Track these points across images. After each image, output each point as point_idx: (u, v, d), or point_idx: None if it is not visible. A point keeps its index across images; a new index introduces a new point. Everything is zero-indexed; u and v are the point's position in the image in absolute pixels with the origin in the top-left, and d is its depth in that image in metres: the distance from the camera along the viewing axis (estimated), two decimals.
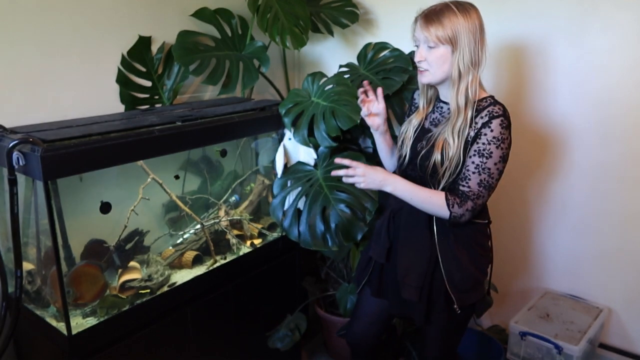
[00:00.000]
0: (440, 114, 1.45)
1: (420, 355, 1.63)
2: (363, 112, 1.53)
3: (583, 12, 1.82)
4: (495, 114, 1.32)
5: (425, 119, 1.48)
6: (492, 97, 1.37)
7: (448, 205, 1.34)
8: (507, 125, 1.33)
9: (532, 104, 2.00)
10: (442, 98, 1.46)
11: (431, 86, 1.46)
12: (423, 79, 1.40)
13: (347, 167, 1.42)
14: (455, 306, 1.41)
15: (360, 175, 1.40)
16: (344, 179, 1.44)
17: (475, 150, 1.33)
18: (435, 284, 1.42)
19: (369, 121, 1.54)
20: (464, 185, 1.35)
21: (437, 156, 1.37)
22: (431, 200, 1.36)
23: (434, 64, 1.35)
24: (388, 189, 1.40)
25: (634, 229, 1.89)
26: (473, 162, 1.33)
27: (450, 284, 1.40)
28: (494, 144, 1.31)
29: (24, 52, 1.57)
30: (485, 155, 1.32)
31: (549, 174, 2.04)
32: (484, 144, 1.32)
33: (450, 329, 1.51)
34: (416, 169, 1.43)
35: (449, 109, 1.41)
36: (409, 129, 1.49)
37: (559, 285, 2.12)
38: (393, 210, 1.50)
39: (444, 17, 1.31)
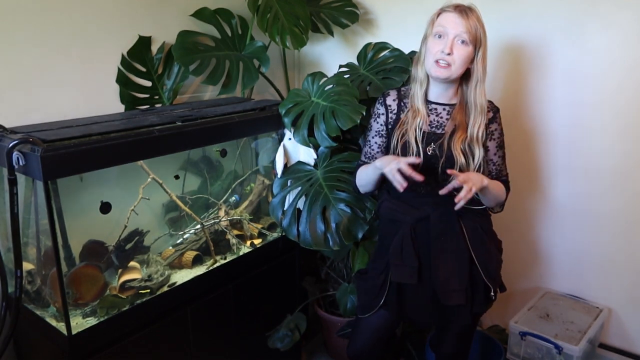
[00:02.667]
0: (437, 116, 1.44)
1: (441, 353, 1.62)
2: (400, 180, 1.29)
3: (583, 12, 1.82)
4: (495, 108, 1.45)
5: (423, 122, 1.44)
6: None
7: (507, 189, 1.48)
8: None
9: (531, 105, 2.00)
10: (433, 99, 1.44)
11: (427, 86, 1.44)
12: (443, 73, 1.35)
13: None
14: (492, 293, 1.45)
15: (469, 189, 1.25)
16: (461, 202, 1.26)
17: (497, 147, 1.46)
18: (474, 280, 1.44)
19: (397, 177, 1.28)
20: (504, 176, 1.49)
21: (462, 160, 1.37)
22: (501, 188, 1.45)
23: (459, 60, 1.34)
24: (487, 183, 1.32)
25: (634, 229, 1.88)
26: (500, 156, 1.48)
27: (486, 275, 1.43)
28: (503, 134, 1.48)
29: (24, 52, 1.57)
30: (503, 145, 1.49)
31: (548, 174, 2.04)
32: (498, 137, 1.46)
33: (478, 317, 1.56)
34: (431, 173, 1.39)
35: (444, 109, 1.43)
36: (409, 135, 1.41)
37: (559, 285, 2.12)
38: (412, 224, 1.43)
39: (475, 15, 1.34)
